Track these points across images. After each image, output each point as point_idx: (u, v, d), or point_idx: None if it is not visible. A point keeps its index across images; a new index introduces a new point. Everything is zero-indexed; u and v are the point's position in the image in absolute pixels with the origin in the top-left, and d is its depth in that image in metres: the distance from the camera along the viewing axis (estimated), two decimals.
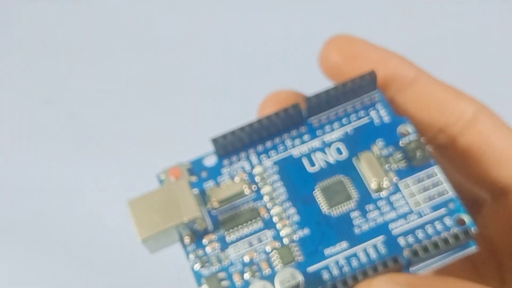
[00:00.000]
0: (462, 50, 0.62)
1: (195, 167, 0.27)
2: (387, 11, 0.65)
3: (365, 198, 0.26)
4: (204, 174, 0.27)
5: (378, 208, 0.26)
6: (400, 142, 0.27)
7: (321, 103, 0.28)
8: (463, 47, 0.62)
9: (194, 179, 0.27)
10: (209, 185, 0.27)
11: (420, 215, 0.25)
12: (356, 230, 0.25)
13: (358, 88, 0.28)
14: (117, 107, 0.63)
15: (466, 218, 0.25)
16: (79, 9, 0.70)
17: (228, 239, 0.26)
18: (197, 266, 0.25)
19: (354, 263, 0.25)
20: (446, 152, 0.28)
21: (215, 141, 0.27)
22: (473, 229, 0.24)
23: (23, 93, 0.65)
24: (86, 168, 0.60)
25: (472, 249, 0.24)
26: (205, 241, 0.26)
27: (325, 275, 0.24)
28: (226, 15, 0.68)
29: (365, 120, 0.28)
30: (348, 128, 0.28)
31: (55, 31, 0.68)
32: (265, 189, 0.27)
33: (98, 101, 0.64)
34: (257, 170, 0.27)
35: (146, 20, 0.69)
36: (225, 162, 0.28)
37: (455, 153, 0.28)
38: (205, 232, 0.26)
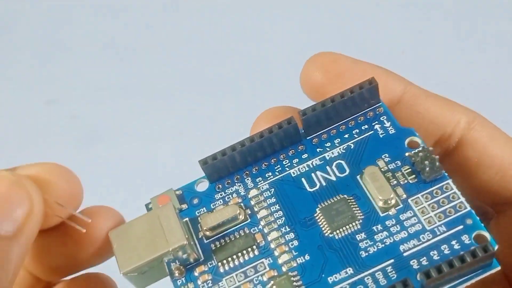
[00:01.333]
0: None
1: (186, 193, 0.25)
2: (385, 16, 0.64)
3: (372, 218, 0.23)
4: (195, 201, 0.25)
5: (386, 228, 0.23)
6: (407, 154, 0.24)
7: (319, 118, 0.25)
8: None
9: (184, 206, 0.25)
10: (201, 212, 0.25)
11: (434, 233, 0.22)
12: (363, 254, 0.23)
13: (359, 100, 0.25)
14: (118, 107, 0.63)
15: (487, 234, 0.22)
16: (80, 10, 0.71)
17: (221, 270, 0.23)
18: None
19: None
20: (445, 165, 0.25)
21: (203, 162, 0.25)
22: (495, 247, 0.21)
23: (24, 93, 0.66)
24: (87, 168, 0.59)
25: (495, 269, 0.21)
26: (196, 273, 0.23)
27: None
28: (227, 18, 0.68)
29: (368, 134, 0.25)
30: (351, 144, 0.25)
31: (55, 31, 0.69)
32: (261, 214, 0.24)
33: (100, 102, 0.64)
34: (252, 193, 0.25)
35: (147, 22, 0.69)
36: (218, 186, 0.25)
37: (454, 165, 0.25)
38: (197, 263, 0.24)
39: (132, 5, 0.70)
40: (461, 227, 0.22)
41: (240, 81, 0.62)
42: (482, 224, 0.22)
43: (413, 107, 0.26)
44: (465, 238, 0.22)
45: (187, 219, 0.25)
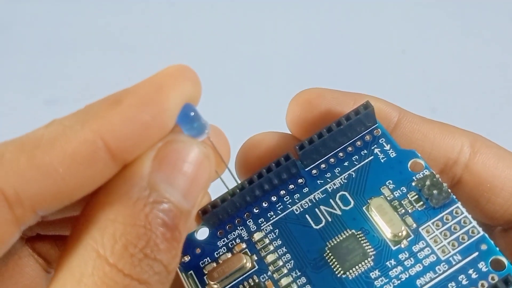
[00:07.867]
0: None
1: (187, 244, 0.24)
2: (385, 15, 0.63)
3: (384, 253, 0.22)
4: (198, 251, 0.24)
5: (400, 262, 0.22)
6: (414, 184, 0.23)
7: (316, 147, 0.24)
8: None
9: (187, 258, 0.24)
10: (205, 262, 0.24)
11: (450, 263, 0.22)
12: None
13: (355, 124, 0.24)
14: None
15: (504, 259, 0.21)
16: (80, 9, 0.69)
17: None
18: None
19: None
20: (454, 192, 0.25)
21: (203, 211, 0.23)
22: None
23: (24, 93, 0.64)
24: None
25: None
26: None
27: None
28: (227, 18, 0.67)
29: (369, 160, 0.24)
30: (352, 172, 0.24)
31: (55, 31, 0.68)
32: (269, 259, 0.23)
33: None
34: (257, 237, 0.24)
35: (147, 22, 0.68)
36: (220, 232, 0.24)
37: (465, 194, 0.24)
38: None
39: (133, 5, 0.68)
40: (476, 254, 0.22)
41: (240, 82, 0.60)
42: (497, 249, 0.22)
43: (411, 134, 0.25)
44: (482, 266, 0.21)
45: (191, 272, 0.24)
